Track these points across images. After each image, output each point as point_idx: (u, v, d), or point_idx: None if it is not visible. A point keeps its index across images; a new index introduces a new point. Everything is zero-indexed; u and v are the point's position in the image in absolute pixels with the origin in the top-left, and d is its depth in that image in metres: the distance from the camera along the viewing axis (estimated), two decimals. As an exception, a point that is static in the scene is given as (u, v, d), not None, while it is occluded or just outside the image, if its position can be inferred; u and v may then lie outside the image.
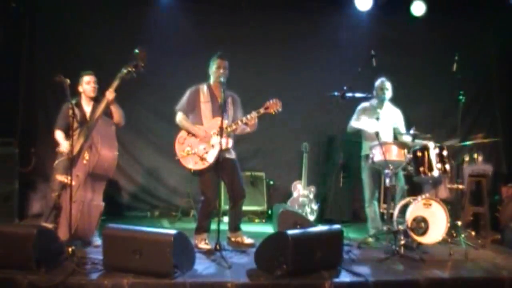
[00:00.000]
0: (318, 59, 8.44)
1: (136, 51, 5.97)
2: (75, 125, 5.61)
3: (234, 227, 6.39)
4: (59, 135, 6.04)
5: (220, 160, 5.74)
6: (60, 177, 5.68)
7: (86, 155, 5.73)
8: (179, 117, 6.14)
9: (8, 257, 4.58)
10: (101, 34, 8.04)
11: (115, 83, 5.92)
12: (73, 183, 5.48)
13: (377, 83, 6.87)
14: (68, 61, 7.68)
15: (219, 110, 5.91)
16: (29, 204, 7.55)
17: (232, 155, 6.21)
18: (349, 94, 6.31)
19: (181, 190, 8.28)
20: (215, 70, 6.09)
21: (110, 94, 5.86)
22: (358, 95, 6.50)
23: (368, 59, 6.49)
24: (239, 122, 5.98)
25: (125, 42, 7.99)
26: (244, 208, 7.42)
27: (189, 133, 6.06)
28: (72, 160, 5.45)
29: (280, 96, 8.27)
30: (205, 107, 6.10)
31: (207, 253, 5.61)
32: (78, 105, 6.06)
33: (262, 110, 5.97)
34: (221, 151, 5.76)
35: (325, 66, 8.39)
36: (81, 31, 8.00)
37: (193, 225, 7.22)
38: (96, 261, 4.90)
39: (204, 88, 6.18)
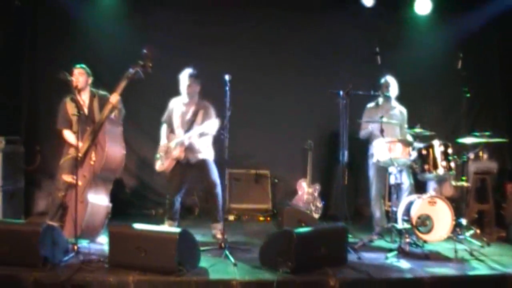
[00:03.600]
0: (323, 56, 8.43)
1: (144, 51, 5.95)
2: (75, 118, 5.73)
3: (213, 219, 6.54)
4: (68, 134, 6.02)
5: (183, 163, 6.43)
6: (66, 177, 5.70)
7: (93, 156, 5.73)
8: (161, 129, 6.76)
9: (14, 254, 4.61)
10: (103, 31, 8.06)
11: (122, 84, 5.91)
12: (80, 183, 5.52)
13: (382, 80, 6.86)
14: (71, 59, 7.65)
15: (188, 123, 6.46)
16: (35, 201, 7.59)
17: (198, 157, 6.49)
18: (353, 92, 6.30)
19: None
20: (182, 87, 6.49)
21: (113, 98, 5.87)
22: (362, 92, 6.49)
23: (373, 57, 6.48)
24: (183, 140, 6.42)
25: (128, 40, 8.05)
26: (249, 206, 7.45)
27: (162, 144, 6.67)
28: (77, 160, 5.44)
29: (284, 94, 8.34)
30: (177, 120, 6.57)
31: (212, 250, 5.61)
32: (74, 99, 5.94)
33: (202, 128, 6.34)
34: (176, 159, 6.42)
35: (330, 63, 8.39)
36: (83, 29, 8.00)
37: (198, 223, 7.28)
38: (102, 258, 4.93)
39: (179, 101, 6.60)
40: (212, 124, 6.18)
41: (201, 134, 6.35)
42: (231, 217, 7.88)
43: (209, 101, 6.59)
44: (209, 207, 6.70)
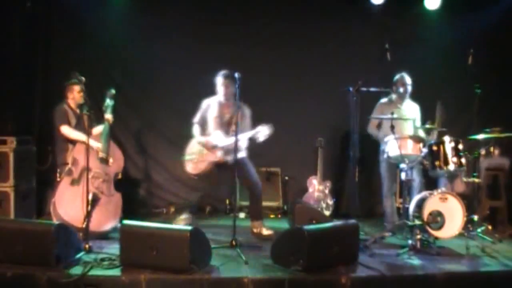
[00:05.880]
0: (332, 54, 8.40)
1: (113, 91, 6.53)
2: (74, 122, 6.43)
3: (253, 217, 6.57)
4: (67, 129, 6.33)
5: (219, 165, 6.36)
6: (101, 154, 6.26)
7: (111, 158, 6.38)
8: (194, 129, 6.62)
9: (27, 253, 4.64)
10: (115, 32, 8.07)
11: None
12: (104, 179, 6.21)
13: (397, 77, 6.84)
14: (84, 60, 7.73)
15: (224, 126, 6.44)
16: (47, 201, 7.61)
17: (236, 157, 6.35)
18: (364, 89, 6.29)
19: (197, 186, 8.30)
20: (218, 88, 6.45)
21: (111, 119, 6.42)
22: (372, 89, 6.48)
23: (382, 53, 6.46)
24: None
25: (140, 40, 8.07)
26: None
27: (198, 142, 6.52)
28: (88, 149, 5.62)
29: (294, 91, 8.31)
30: (214, 122, 6.47)
31: (223, 249, 5.61)
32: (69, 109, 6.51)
33: (252, 133, 6.25)
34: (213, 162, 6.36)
35: (339, 60, 8.35)
36: (96, 30, 8.03)
37: (209, 222, 7.28)
38: (114, 257, 4.95)
39: (215, 102, 6.52)
40: (264, 131, 6.17)
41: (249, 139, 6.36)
42: (242, 215, 7.88)
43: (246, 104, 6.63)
44: (251, 205, 6.71)
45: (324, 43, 8.43)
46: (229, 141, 6.26)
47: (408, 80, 6.79)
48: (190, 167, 6.49)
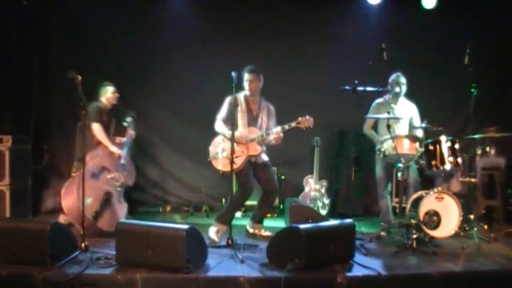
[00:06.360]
0: (329, 53, 8.39)
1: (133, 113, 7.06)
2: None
3: (256, 218, 6.58)
4: (98, 128, 6.51)
5: (250, 163, 6.29)
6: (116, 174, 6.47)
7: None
8: (218, 124, 6.42)
9: (23, 252, 4.63)
10: (115, 31, 8.06)
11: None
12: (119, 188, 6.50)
13: (392, 77, 6.83)
14: (81, 59, 7.72)
15: (253, 121, 6.39)
16: (43, 200, 7.62)
17: (262, 159, 6.43)
18: (360, 88, 6.29)
19: (193, 185, 8.31)
20: (244, 84, 6.36)
21: (134, 135, 6.94)
22: (369, 89, 6.47)
23: (379, 53, 6.45)
24: (269, 133, 6.28)
25: (140, 40, 8.06)
26: (256, 203, 7.44)
27: (224, 138, 6.33)
28: (84, 145, 5.80)
29: (291, 90, 8.31)
30: (241, 117, 6.36)
31: (220, 247, 5.61)
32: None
33: (293, 124, 6.22)
34: (250, 157, 6.26)
35: (336, 59, 8.34)
36: (94, 29, 8.00)
37: (205, 220, 7.27)
38: (109, 256, 4.93)
39: (241, 98, 6.42)
40: (307, 121, 6.22)
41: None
42: (238, 214, 7.88)
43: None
44: (259, 207, 6.64)
45: (321, 43, 8.42)
46: (272, 131, 6.30)
47: (403, 80, 6.78)
48: (222, 165, 6.26)
